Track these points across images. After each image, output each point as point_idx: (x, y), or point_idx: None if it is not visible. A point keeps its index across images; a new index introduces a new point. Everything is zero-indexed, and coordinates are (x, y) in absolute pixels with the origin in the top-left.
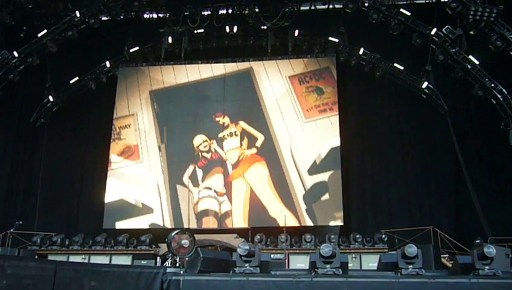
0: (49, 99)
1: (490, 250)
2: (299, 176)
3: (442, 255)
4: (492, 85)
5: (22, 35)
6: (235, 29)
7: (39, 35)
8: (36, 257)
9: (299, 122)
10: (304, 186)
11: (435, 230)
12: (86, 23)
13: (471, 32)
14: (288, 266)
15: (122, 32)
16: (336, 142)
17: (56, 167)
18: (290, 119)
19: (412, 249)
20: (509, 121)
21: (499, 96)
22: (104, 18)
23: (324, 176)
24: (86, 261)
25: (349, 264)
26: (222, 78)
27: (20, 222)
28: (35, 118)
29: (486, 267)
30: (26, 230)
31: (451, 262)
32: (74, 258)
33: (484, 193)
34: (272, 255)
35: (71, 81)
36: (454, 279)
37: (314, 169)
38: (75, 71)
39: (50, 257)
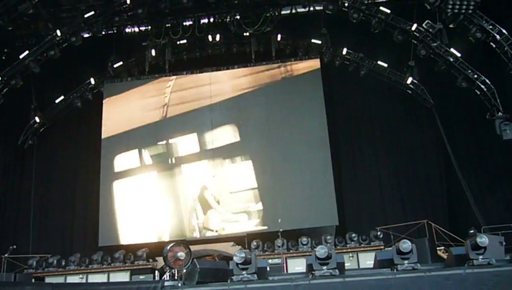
0: (35, 120)
1: (483, 240)
2: (291, 178)
3: (438, 248)
4: (476, 76)
5: (3, 57)
6: (217, 37)
7: (21, 56)
8: (33, 280)
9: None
10: (296, 188)
11: (429, 223)
12: (68, 42)
13: (451, 26)
14: (287, 270)
15: (105, 48)
16: (326, 143)
17: (47, 188)
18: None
19: (406, 245)
20: (494, 110)
21: (483, 86)
22: (86, 35)
23: (316, 178)
24: (84, 280)
25: (347, 264)
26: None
27: (14, 246)
28: (22, 140)
29: (480, 256)
30: (21, 253)
31: (447, 254)
32: (72, 279)
33: (475, 183)
34: (270, 261)
35: (57, 101)
36: (449, 271)
37: (305, 171)
38: (60, 90)
39: (47, 279)
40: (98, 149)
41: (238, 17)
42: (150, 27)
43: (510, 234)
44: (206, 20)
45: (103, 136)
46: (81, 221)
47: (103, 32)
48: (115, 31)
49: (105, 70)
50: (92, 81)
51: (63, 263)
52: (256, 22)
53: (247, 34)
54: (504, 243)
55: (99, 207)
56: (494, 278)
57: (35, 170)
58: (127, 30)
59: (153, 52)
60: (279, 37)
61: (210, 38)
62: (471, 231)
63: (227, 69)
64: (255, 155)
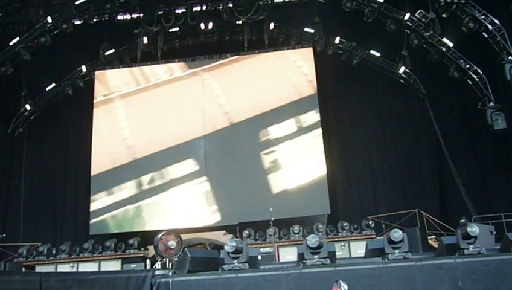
0: (26, 108)
1: (473, 229)
2: (284, 168)
3: (429, 237)
4: (468, 66)
5: None
6: (210, 25)
7: (11, 43)
8: (23, 269)
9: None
10: (288, 177)
11: (420, 213)
12: (59, 29)
13: (444, 15)
14: (278, 259)
15: (96, 36)
16: (318, 132)
17: (38, 176)
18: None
19: (397, 234)
20: (486, 100)
21: (475, 76)
22: (77, 22)
23: (309, 167)
24: (75, 269)
25: (338, 253)
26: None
27: (4, 235)
28: (13, 127)
29: (471, 246)
30: (11, 242)
31: (438, 243)
32: (62, 267)
33: (466, 173)
34: (261, 249)
35: (47, 88)
36: (440, 260)
37: (298, 160)
38: (51, 78)
39: (37, 268)
40: (89, 137)
41: (230, 5)
42: (142, 14)
43: (501, 223)
44: (198, 8)
45: (94, 123)
46: (72, 209)
47: (95, 20)
48: (107, 18)
49: (97, 58)
50: (84, 68)
51: (54, 252)
52: (249, 10)
53: (240, 22)
54: (494, 233)
55: (90, 195)
56: (484, 267)
57: (26, 158)
58: (119, 17)
59: (145, 40)
60: (272, 25)
61: (202, 26)
62: (462, 221)
63: (220, 57)
64: (247, 143)
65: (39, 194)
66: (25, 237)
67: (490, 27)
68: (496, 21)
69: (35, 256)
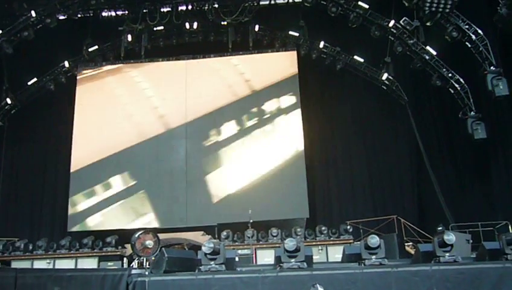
0: (6, 101)
1: (450, 237)
2: (265, 171)
3: (406, 244)
4: (450, 75)
5: None
6: (195, 25)
7: None
8: None
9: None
10: (268, 180)
11: (398, 219)
12: (43, 23)
13: (428, 24)
14: (256, 261)
15: (80, 32)
16: (300, 136)
17: (16, 171)
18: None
19: (374, 240)
20: (467, 109)
21: (457, 85)
22: (61, 17)
23: (288, 170)
24: (51, 266)
25: (316, 257)
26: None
27: None
28: None
29: (447, 254)
30: None
31: (415, 250)
32: (39, 263)
33: (445, 181)
34: (239, 251)
35: (29, 83)
36: (416, 267)
37: (277, 163)
38: (33, 72)
39: (14, 264)
40: (70, 133)
41: (216, 5)
42: (126, 12)
43: (477, 232)
44: (184, 8)
45: (75, 119)
46: (50, 205)
47: (79, 15)
48: (91, 14)
49: (80, 54)
50: (66, 64)
51: (30, 248)
52: (235, 11)
53: (225, 23)
54: (471, 241)
55: (68, 192)
56: (459, 276)
57: (5, 152)
58: (104, 14)
59: (129, 38)
60: (256, 27)
61: (187, 26)
62: (440, 228)
63: (204, 57)
64: (228, 145)
65: (17, 189)
66: (2, 232)
67: (473, 37)
68: (479, 31)
69: (12, 251)
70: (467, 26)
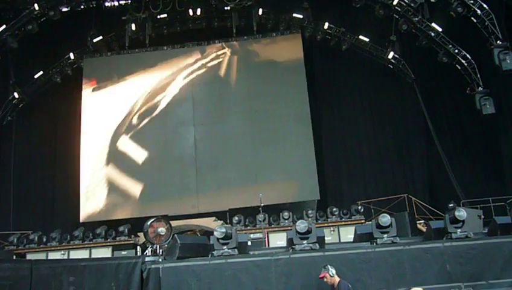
0: (14, 96)
1: (461, 213)
2: (272, 153)
3: (418, 222)
4: (456, 51)
5: None
6: (198, 12)
7: None
8: (14, 257)
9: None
10: (277, 163)
11: (409, 197)
12: (46, 16)
13: (432, 0)
14: (268, 245)
15: (84, 23)
16: (307, 118)
17: (27, 164)
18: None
19: (385, 219)
20: (474, 85)
21: (463, 61)
22: (64, 9)
23: (298, 152)
24: (66, 257)
25: (328, 238)
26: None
27: None
28: (1, 115)
29: (459, 230)
30: (1, 231)
31: (426, 228)
32: (53, 255)
33: (455, 157)
34: (251, 235)
35: (36, 76)
36: (428, 244)
37: (286, 146)
38: (39, 65)
39: (28, 256)
40: (78, 124)
41: None
42: (129, 1)
43: (489, 207)
44: None
45: (83, 110)
46: (62, 197)
47: (82, 6)
48: (94, 5)
49: (85, 45)
50: (72, 56)
51: (44, 240)
52: None
53: (228, 8)
54: (482, 217)
55: (79, 183)
56: (471, 251)
57: (15, 146)
58: (107, 4)
59: (133, 27)
60: (260, 11)
61: (191, 12)
62: (451, 205)
63: (208, 44)
64: (236, 130)
65: (29, 183)
66: (16, 225)
67: (479, 12)
68: (485, 5)
69: (26, 244)
70: (471, 1)
